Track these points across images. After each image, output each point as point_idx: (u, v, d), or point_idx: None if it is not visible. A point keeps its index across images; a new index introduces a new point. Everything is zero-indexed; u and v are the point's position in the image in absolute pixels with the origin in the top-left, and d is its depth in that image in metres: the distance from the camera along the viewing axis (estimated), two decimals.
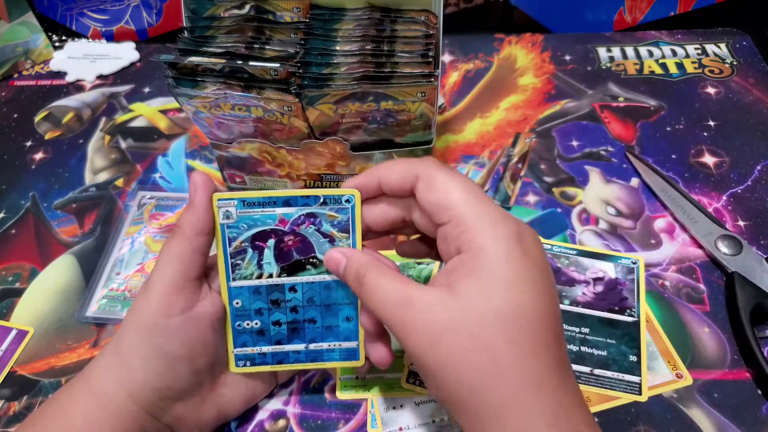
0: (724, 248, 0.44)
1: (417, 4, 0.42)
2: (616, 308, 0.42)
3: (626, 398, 0.39)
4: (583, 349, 0.41)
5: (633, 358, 0.40)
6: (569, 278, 0.44)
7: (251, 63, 0.40)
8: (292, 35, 0.43)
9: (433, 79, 0.40)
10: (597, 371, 0.40)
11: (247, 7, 0.43)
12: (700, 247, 0.46)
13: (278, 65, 0.40)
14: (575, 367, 0.40)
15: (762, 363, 0.38)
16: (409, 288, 0.29)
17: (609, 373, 0.39)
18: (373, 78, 0.40)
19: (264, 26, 0.43)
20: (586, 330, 0.41)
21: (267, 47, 0.42)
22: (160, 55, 0.41)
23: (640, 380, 0.39)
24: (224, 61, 0.40)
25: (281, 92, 0.40)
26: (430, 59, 0.40)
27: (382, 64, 0.41)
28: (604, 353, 0.40)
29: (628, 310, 0.42)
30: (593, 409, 0.38)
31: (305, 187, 0.51)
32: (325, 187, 0.50)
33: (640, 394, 0.39)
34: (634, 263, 0.45)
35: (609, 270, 0.44)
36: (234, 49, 0.41)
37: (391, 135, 0.45)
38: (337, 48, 0.41)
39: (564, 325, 0.42)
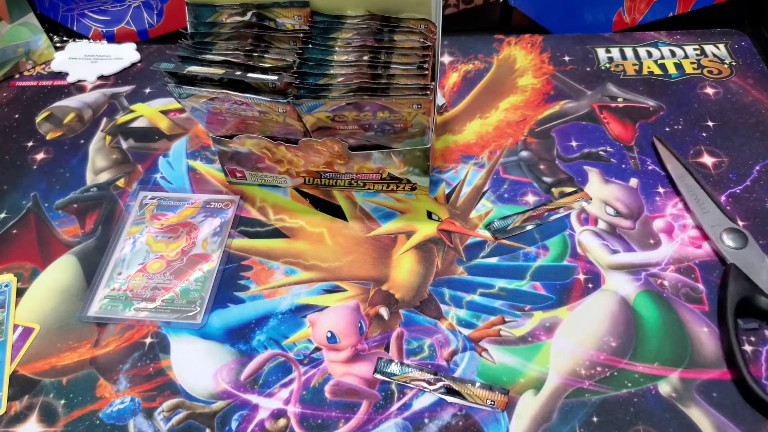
0: (728, 241, 0.45)
1: (416, 12, 0.42)
2: None
3: None
4: None
5: None
6: None
7: (249, 75, 0.40)
8: (291, 43, 0.43)
9: (428, 92, 0.40)
10: None
11: (249, 14, 0.43)
12: (706, 237, 0.46)
13: (276, 78, 0.40)
14: None
15: (737, 355, 0.39)
16: None
17: None
18: (368, 89, 0.40)
19: (263, 34, 0.43)
20: None
21: (265, 56, 0.42)
22: (160, 63, 0.41)
23: None
24: (223, 71, 0.40)
25: (277, 103, 0.40)
26: (426, 72, 0.40)
27: (378, 76, 0.41)
28: None
29: None
30: None
31: (304, 184, 0.51)
32: (324, 185, 0.51)
33: None
34: None
35: None
36: (232, 57, 0.41)
37: (388, 142, 0.45)
38: (334, 58, 0.41)
39: None
